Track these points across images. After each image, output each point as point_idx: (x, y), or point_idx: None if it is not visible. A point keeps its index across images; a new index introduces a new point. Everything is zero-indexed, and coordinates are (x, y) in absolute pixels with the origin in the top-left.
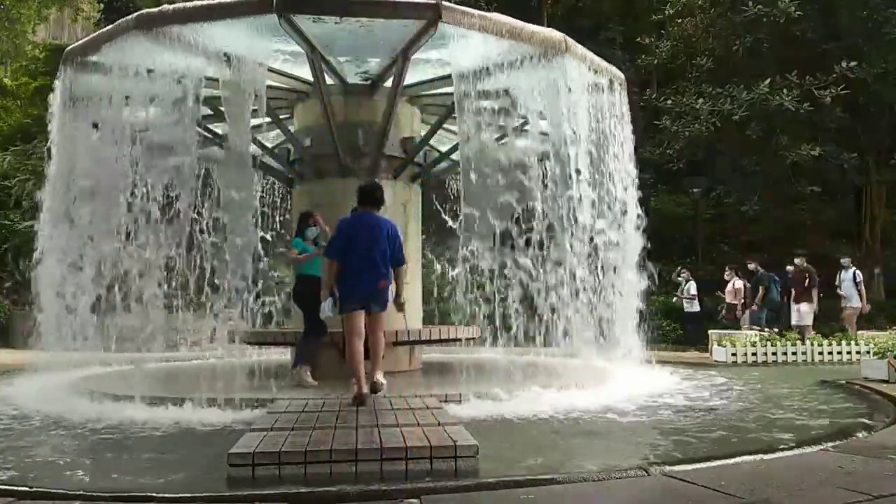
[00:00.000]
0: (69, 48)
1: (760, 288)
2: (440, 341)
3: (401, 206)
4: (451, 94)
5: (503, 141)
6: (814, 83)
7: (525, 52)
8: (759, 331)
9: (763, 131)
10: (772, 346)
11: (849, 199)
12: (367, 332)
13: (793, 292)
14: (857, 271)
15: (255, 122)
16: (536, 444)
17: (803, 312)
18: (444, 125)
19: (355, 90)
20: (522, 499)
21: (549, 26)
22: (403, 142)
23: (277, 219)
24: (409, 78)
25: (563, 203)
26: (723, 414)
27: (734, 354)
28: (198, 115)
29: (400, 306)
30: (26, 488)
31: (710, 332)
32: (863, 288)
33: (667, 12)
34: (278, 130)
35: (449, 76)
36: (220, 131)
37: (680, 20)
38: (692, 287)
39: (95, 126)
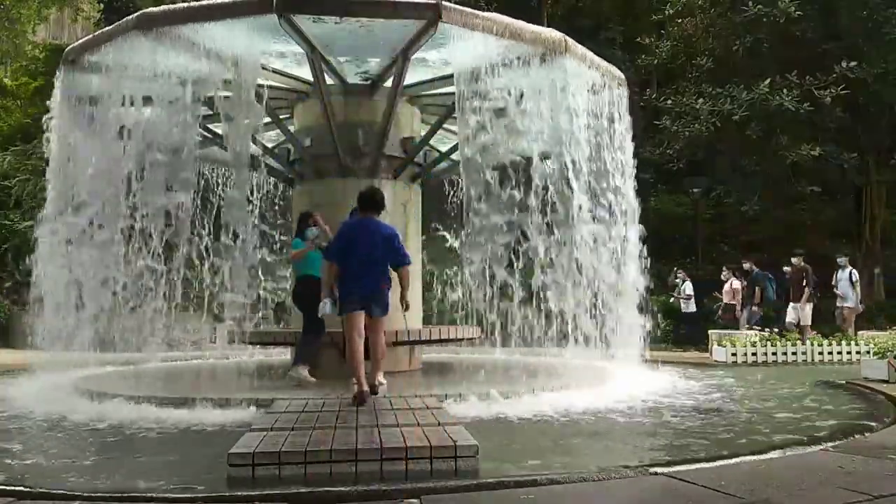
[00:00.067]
0: (69, 48)
1: (756, 288)
2: (440, 341)
3: (401, 206)
4: (451, 94)
5: (502, 141)
6: (814, 83)
7: (525, 52)
8: (760, 331)
9: (763, 131)
10: (772, 346)
11: (849, 199)
12: (368, 335)
13: (791, 292)
14: (854, 271)
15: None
16: (536, 444)
17: (804, 312)
18: (444, 125)
19: (355, 90)
20: (522, 499)
21: (549, 26)
22: (403, 142)
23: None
24: (409, 78)
25: (564, 202)
26: (722, 414)
27: (734, 354)
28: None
29: (406, 307)
30: (26, 488)
31: (710, 332)
32: (858, 288)
33: (667, 12)
34: (278, 130)
35: (449, 76)
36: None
37: (680, 20)
38: (688, 287)
39: (121, 133)
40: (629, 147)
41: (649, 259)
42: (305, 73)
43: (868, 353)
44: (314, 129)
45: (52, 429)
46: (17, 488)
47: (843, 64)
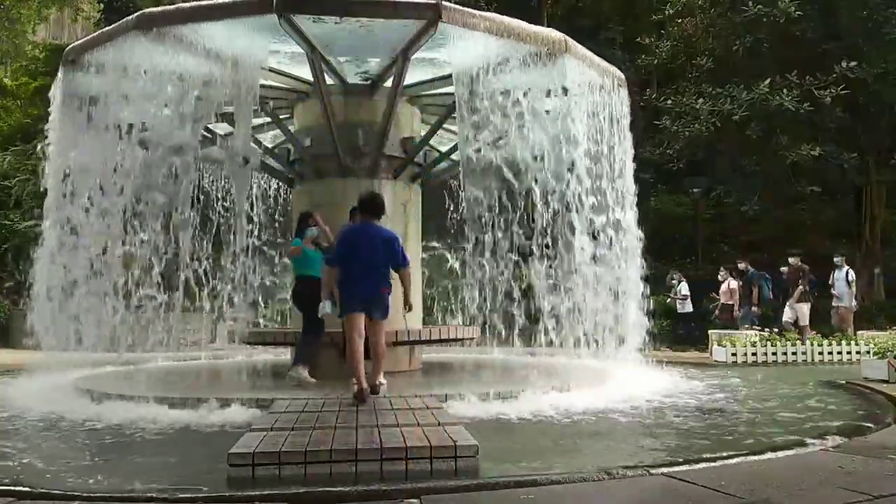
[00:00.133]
0: (69, 48)
1: (752, 287)
2: (440, 341)
3: (401, 206)
4: (451, 94)
5: (502, 141)
6: (814, 83)
7: (525, 52)
8: (759, 331)
9: (763, 131)
10: (772, 346)
11: (849, 199)
12: (368, 336)
13: (789, 291)
14: (850, 270)
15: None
16: (536, 444)
17: (802, 312)
18: (444, 125)
19: (355, 90)
20: (522, 499)
21: (549, 26)
22: (403, 142)
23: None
24: (409, 78)
25: (564, 202)
26: (723, 414)
27: (734, 354)
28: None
29: (409, 308)
30: (26, 488)
31: (710, 332)
32: (854, 287)
33: (667, 12)
34: (278, 130)
35: (449, 76)
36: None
37: (680, 20)
38: (684, 288)
39: (144, 147)
40: (629, 146)
41: (649, 259)
42: (305, 72)
43: (868, 353)
44: (314, 129)
45: (52, 429)
46: (16, 488)
47: (843, 64)
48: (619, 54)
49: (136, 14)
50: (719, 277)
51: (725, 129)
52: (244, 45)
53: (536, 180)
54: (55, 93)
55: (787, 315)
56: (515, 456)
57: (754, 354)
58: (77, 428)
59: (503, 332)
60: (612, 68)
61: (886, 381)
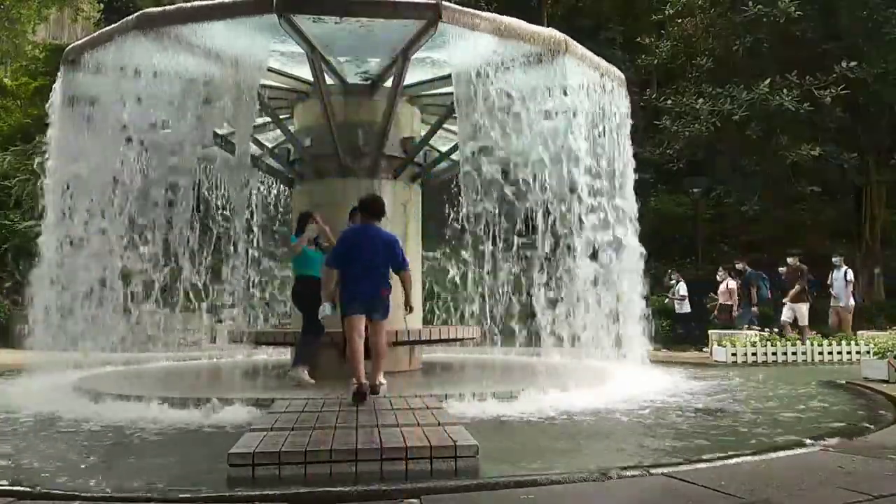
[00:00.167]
0: (69, 48)
1: (751, 287)
2: (440, 341)
3: (401, 206)
4: (452, 94)
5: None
6: (814, 83)
7: (525, 52)
8: (759, 331)
9: (763, 131)
10: (772, 346)
11: (849, 199)
12: (369, 336)
13: (787, 291)
14: (849, 270)
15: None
16: (537, 445)
17: (801, 312)
18: (445, 125)
19: (355, 90)
20: (522, 499)
21: (549, 26)
22: (403, 142)
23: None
24: (409, 78)
25: (564, 203)
26: (722, 414)
27: (734, 354)
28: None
29: (410, 309)
30: (26, 488)
31: (710, 332)
32: (851, 287)
33: (667, 12)
34: (278, 130)
35: (449, 76)
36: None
37: (680, 20)
38: (682, 288)
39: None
40: (628, 145)
41: (649, 258)
42: (305, 72)
43: (868, 353)
44: (314, 129)
45: (51, 429)
46: (16, 488)
47: (843, 64)
48: (619, 54)
49: (136, 14)
50: (717, 278)
51: (725, 129)
52: (244, 45)
53: (535, 177)
54: (55, 93)
55: (786, 315)
56: (515, 456)
57: (754, 354)
58: (77, 428)
59: (503, 333)
60: (613, 68)
61: (886, 381)
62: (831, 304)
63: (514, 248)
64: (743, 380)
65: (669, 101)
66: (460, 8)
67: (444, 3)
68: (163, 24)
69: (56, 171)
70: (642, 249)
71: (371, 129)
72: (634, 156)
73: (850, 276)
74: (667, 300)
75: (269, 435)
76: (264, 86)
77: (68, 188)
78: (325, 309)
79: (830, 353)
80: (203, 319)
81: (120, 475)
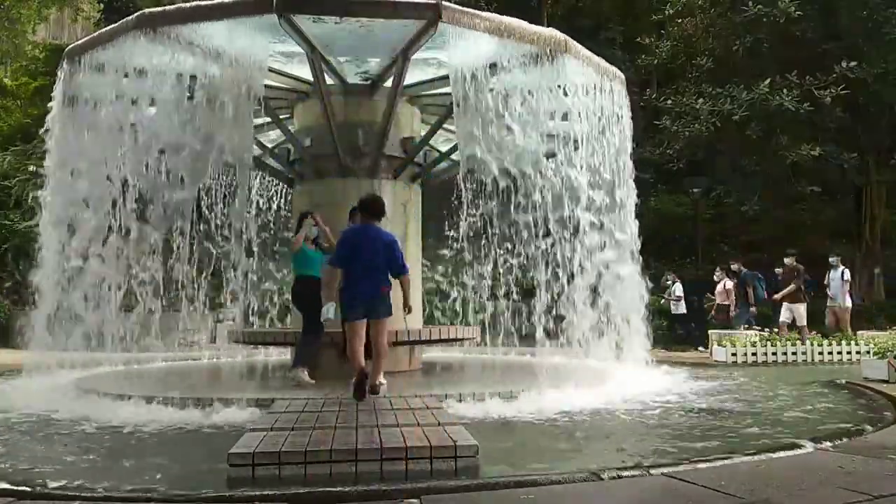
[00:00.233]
0: (69, 47)
1: (747, 288)
2: (440, 341)
3: (401, 206)
4: (451, 93)
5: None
6: (814, 83)
7: (525, 52)
8: (759, 331)
9: (763, 131)
10: (772, 346)
11: (849, 199)
12: (370, 334)
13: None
14: (846, 270)
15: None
16: (537, 444)
17: (799, 312)
18: (444, 125)
19: (355, 90)
20: (522, 499)
21: (549, 26)
22: (403, 142)
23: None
24: (410, 78)
25: (564, 202)
26: (722, 414)
27: (734, 354)
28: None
29: (409, 310)
30: (26, 488)
31: (710, 332)
32: (847, 287)
33: (667, 12)
34: (278, 130)
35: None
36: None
37: (680, 20)
38: (678, 289)
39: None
40: (628, 145)
41: (650, 259)
42: (305, 72)
43: (868, 353)
44: (314, 129)
45: (51, 429)
46: (17, 488)
47: (843, 64)
48: (619, 54)
49: (136, 14)
50: (715, 278)
51: (725, 129)
52: (244, 45)
53: (535, 173)
54: (55, 94)
55: (784, 316)
56: (515, 456)
57: (754, 354)
58: (77, 428)
59: (503, 333)
60: (613, 68)
61: (886, 381)
62: (828, 304)
63: (514, 248)
64: (743, 380)
65: (669, 101)
66: (460, 8)
67: (444, 3)
68: (162, 24)
69: (56, 171)
70: (638, 250)
71: (371, 129)
72: (634, 158)
73: (847, 275)
74: (662, 301)
75: (269, 435)
76: (264, 86)
77: (70, 184)
78: (329, 312)
79: (830, 353)
80: (203, 319)
81: (120, 475)
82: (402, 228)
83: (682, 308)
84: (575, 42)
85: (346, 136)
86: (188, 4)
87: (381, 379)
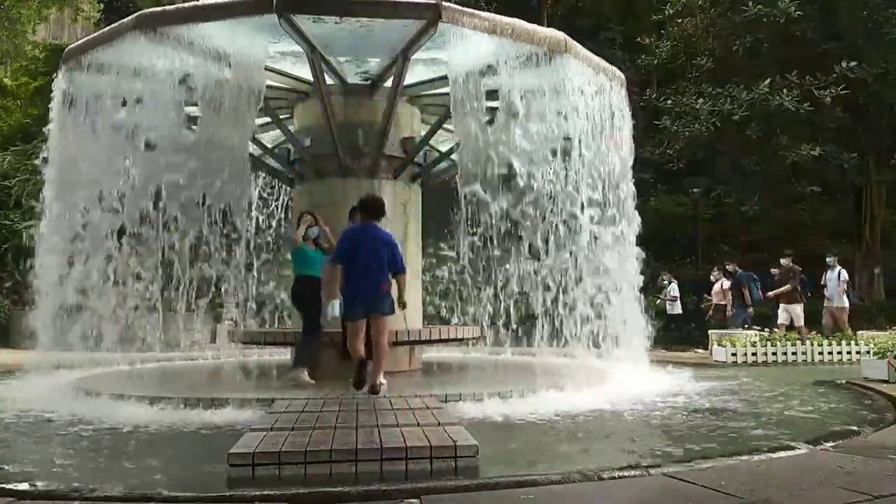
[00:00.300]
0: (69, 48)
1: (742, 289)
2: (440, 341)
3: (401, 206)
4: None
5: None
6: (814, 83)
7: (525, 52)
8: (759, 331)
9: (763, 131)
10: (772, 346)
11: (849, 199)
12: (371, 332)
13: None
14: (843, 270)
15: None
16: (537, 444)
17: (796, 313)
18: (445, 125)
19: (355, 90)
20: (522, 499)
21: (549, 26)
22: (403, 142)
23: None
24: (410, 78)
25: (564, 202)
26: (723, 414)
27: (734, 354)
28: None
29: (403, 305)
30: (26, 488)
31: (710, 332)
32: (844, 287)
33: (667, 12)
34: (278, 130)
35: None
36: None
37: (680, 20)
38: (674, 289)
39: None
40: (628, 145)
41: (650, 259)
42: (305, 72)
43: (868, 353)
44: (314, 129)
45: (51, 429)
46: (17, 488)
47: (843, 64)
48: (619, 54)
49: (135, 14)
50: (712, 278)
51: (725, 129)
52: (244, 45)
53: (533, 176)
54: (54, 94)
55: (782, 318)
56: (515, 456)
57: (754, 354)
58: (76, 428)
59: (503, 333)
60: (613, 68)
61: (886, 381)
62: (825, 304)
63: (514, 247)
64: (743, 380)
65: (669, 101)
66: (460, 8)
67: (444, 3)
68: (162, 24)
69: (56, 171)
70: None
71: (371, 129)
72: (634, 163)
73: (844, 276)
74: (658, 301)
75: (269, 435)
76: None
77: (70, 183)
78: (334, 308)
79: (830, 353)
80: (203, 320)
81: (119, 475)
82: (402, 228)
83: (677, 308)
84: (574, 42)
85: (346, 136)
86: (188, 4)
87: (381, 379)
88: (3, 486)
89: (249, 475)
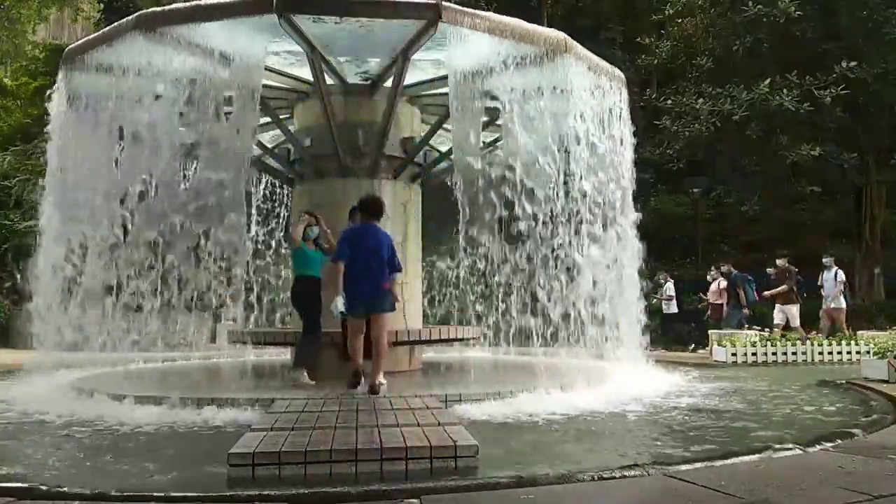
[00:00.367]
0: (69, 48)
1: (737, 289)
2: (440, 341)
3: (401, 206)
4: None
5: (500, 142)
6: (814, 83)
7: (525, 52)
8: (759, 331)
9: (763, 131)
10: (772, 346)
11: (849, 199)
12: (371, 329)
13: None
14: (840, 271)
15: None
16: (537, 444)
17: (792, 314)
18: (445, 125)
19: (355, 90)
20: (522, 499)
21: (549, 26)
22: (403, 142)
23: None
24: (410, 78)
25: (563, 202)
26: (723, 414)
27: (734, 354)
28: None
29: (395, 299)
30: (26, 488)
31: (710, 332)
32: (841, 288)
33: (667, 12)
34: (278, 130)
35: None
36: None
37: (680, 20)
38: (670, 288)
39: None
40: (628, 145)
41: (650, 259)
42: (305, 72)
43: (868, 353)
44: (314, 129)
45: (51, 429)
46: (17, 486)
47: (843, 64)
48: (619, 54)
49: (135, 14)
50: (708, 278)
51: (725, 129)
52: (244, 45)
53: (532, 179)
54: (55, 95)
55: (778, 319)
56: (515, 456)
57: (754, 354)
58: (76, 428)
59: (503, 333)
60: (613, 68)
61: (886, 381)
62: (822, 305)
63: (514, 247)
64: (743, 380)
65: (669, 101)
66: (460, 8)
67: (444, 3)
68: (162, 25)
69: (56, 171)
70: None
71: (371, 129)
72: (635, 161)
73: (841, 276)
74: (654, 300)
75: (269, 435)
76: (264, 85)
77: (68, 184)
78: (339, 304)
79: (830, 353)
80: (203, 319)
81: (119, 475)
82: (402, 228)
83: (673, 308)
84: (574, 42)
85: (346, 136)
86: (188, 4)
87: (381, 379)
88: (3, 485)
89: (249, 475)
